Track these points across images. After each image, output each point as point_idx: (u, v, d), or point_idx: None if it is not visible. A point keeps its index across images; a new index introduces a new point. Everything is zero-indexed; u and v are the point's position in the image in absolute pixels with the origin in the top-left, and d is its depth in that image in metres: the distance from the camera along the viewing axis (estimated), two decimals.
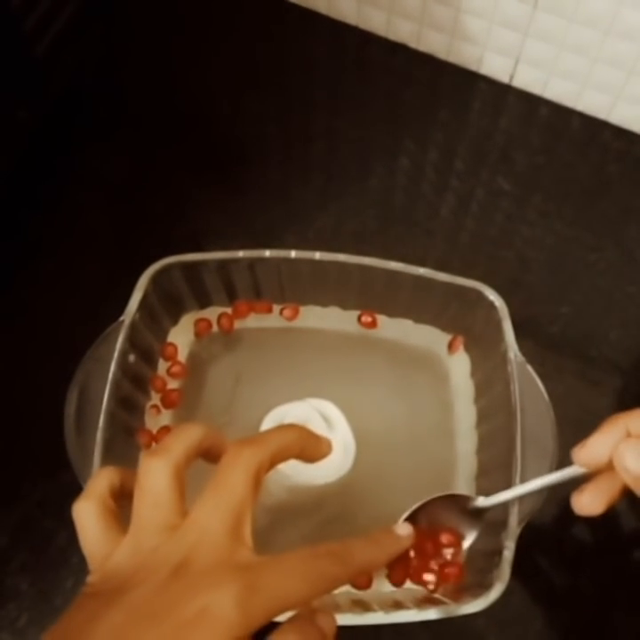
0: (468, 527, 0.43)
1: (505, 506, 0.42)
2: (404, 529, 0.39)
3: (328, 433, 0.48)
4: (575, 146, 0.64)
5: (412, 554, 0.42)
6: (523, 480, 0.42)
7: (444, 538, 0.43)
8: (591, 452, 0.34)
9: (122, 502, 0.33)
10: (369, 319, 0.53)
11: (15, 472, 0.51)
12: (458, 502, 0.43)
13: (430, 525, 0.43)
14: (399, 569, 0.43)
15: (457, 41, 0.65)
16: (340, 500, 0.47)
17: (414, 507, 0.43)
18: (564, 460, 0.44)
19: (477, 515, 0.43)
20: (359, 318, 0.53)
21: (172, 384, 0.51)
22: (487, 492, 0.46)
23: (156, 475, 0.31)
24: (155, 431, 0.49)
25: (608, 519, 0.50)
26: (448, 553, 0.43)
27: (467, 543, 0.43)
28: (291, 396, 0.48)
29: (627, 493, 0.34)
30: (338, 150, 0.64)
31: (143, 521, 0.31)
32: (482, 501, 0.42)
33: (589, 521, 0.50)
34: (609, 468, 0.34)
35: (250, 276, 0.51)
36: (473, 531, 0.43)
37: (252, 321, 0.53)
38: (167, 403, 0.50)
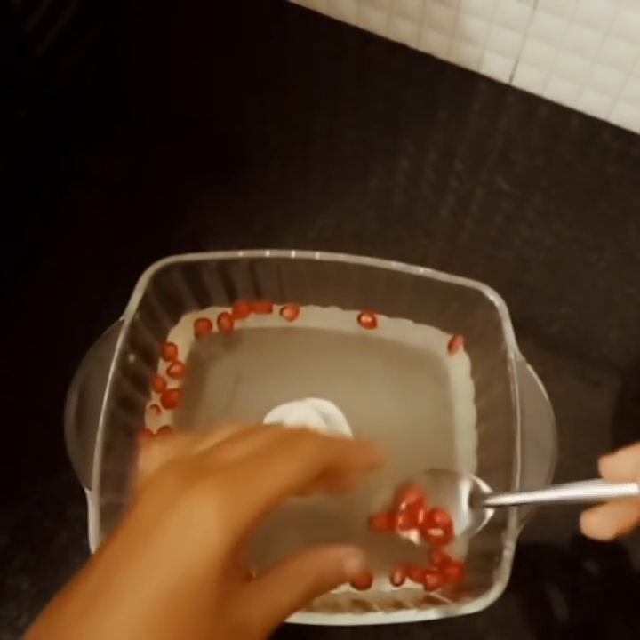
0: (462, 516, 0.42)
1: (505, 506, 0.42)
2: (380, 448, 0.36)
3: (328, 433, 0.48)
4: (575, 146, 0.64)
5: (402, 506, 0.42)
6: (523, 480, 0.42)
7: (438, 516, 0.42)
8: (619, 463, 0.32)
9: None
10: (369, 319, 0.53)
11: (15, 472, 0.51)
12: (461, 486, 0.42)
13: (428, 495, 0.43)
14: (383, 516, 0.42)
15: (457, 41, 0.65)
16: (340, 499, 0.47)
17: (421, 470, 0.43)
18: (564, 460, 0.44)
19: (477, 509, 0.42)
20: (359, 318, 0.53)
21: (172, 384, 0.51)
22: None
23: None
24: (155, 431, 0.49)
25: None
26: (436, 531, 0.42)
27: (458, 530, 0.42)
28: (291, 396, 0.48)
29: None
30: (338, 150, 0.64)
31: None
32: (489, 499, 0.40)
33: None
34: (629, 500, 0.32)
35: (250, 276, 0.51)
36: (466, 521, 0.42)
37: (252, 321, 0.53)
38: (167, 403, 0.50)
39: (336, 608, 0.42)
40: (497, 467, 0.45)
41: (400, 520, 0.43)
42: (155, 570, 0.26)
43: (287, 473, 0.29)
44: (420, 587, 0.45)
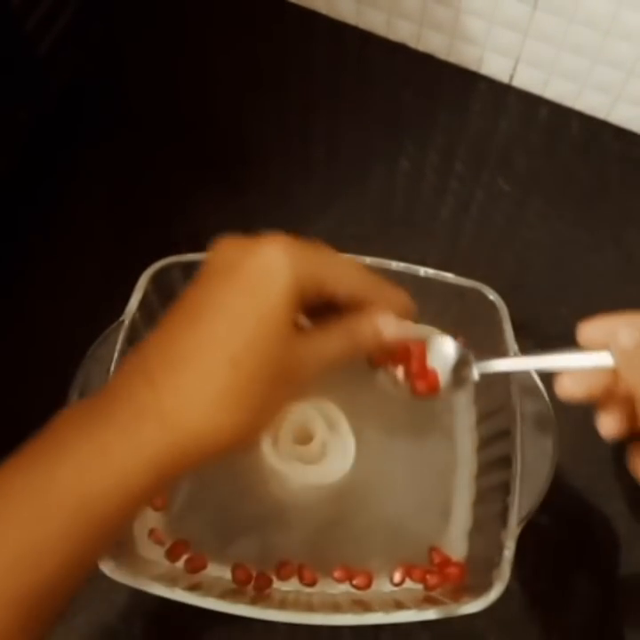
0: (447, 377, 0.42)
1: (504, 506, 0.42)
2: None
3: (328, 433, 0.48)
4: (575, 146, 0.64)
5: (400, 348, 0.42)
6: (522, 480, 0.42)
7: (431, 370, 0.42)
8: (593, 329, 0.35)
9: None
10: None
11: None
12: (449, 349, 0.42)
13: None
14: (383, 355, 0.43)
15: (457, 41, 0.65)
16: (340, 500, 0.47)
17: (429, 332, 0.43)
18: (563, 460, 0.44)
19: (463, 375, 0.42)
20: None
21: None
22: (487, 493, 0.46)
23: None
24: None
25: (608, 519, 0.50)
26: (422, 384, 0.42)
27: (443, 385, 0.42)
28: None
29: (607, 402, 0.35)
30: (338, 150, 0.64)
31: None
32: (479, 367, 0.41)
33: (589, 521, 0.50)
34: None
35: None
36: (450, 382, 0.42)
37: None
38: None
39: (336, 608, 0.42)
40: (497, 467, 0.45)
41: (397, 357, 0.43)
42: (239, 296, 0.32)
43: (335, 263, 0.35)
44: (420, 587, 0.45)
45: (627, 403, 0.35)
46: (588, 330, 0.35)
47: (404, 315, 0.38)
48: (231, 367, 0.31)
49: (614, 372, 0.34)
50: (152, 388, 0.31)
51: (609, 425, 0.35)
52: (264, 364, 0.32)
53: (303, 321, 0.38)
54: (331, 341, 0.36)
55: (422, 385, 0.42)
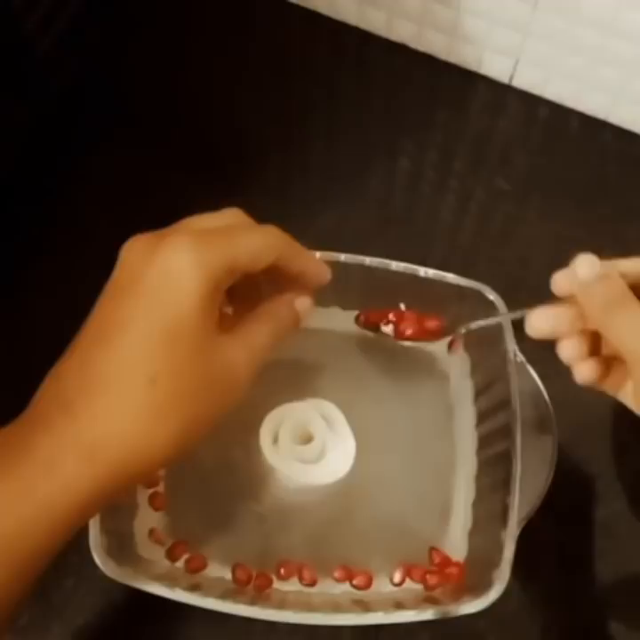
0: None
1: (504, 506, 0.42)
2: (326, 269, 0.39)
3: (328, 433, 0.48)
4: (575, 146, 0.64)
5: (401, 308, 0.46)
6: (522, 480, 0.42)
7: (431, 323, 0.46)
8: (565, 274, 0.36)
9: None
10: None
11: None
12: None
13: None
14: (375, 312, 0.47)
15: (457, 41, 0.65)
16: (340, 500, 0.47)
17: None
18: (564, 460, 0.44)
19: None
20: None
21: None
22: (487, 493, 0.46)
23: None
24: None
25: (608, 519, 0.50)
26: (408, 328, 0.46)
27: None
28: (291, 396, 0.48)
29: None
30: (337, 150, 0.64)
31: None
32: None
33: (589, 521, 0.50)
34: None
35: None
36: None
37: None
38: None
39: (336, 608, 0.42)
40: (497, 467, 0.45)
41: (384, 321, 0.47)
42: (145, 311, 0.31)
43: (249, 241, 0.33)
44: (420, 587, 0.45)
45: (592, 337, 0.37)
46: (558, 277, 0.37)
47: (321, 281, 0.38)
48: (148, 386, 0.30)
49: (579, 309, 0.36)
50: (70, 418, 0.30)
51: (568, 350, 0.37)
52: (183, 375, 0.31)
53: (228, 310, 0.37)
54: (257, 332, 0.35)
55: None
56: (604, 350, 0.37)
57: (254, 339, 0.35)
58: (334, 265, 0.48)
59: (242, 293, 0.36)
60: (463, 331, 0.44)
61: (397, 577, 0.46)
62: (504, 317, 0.43)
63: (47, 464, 0.30)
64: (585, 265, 0.35)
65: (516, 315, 0.40)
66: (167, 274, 0.31)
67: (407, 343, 0.48)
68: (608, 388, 0.38)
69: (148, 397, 0.31)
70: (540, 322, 0.37)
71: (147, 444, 0.31)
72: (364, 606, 0.42)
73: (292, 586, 0.45)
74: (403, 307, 0.48)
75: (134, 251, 0.33)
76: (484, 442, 0.49)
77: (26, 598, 0.30)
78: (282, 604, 0.42)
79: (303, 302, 0.37)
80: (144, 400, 0.30)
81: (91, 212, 0.61)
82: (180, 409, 0.31)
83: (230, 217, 0.35)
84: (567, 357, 0.37)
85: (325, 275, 0.38)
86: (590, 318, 0.35)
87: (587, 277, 0.35)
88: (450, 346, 0.52)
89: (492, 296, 0.47)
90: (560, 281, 0.36)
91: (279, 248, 0.35)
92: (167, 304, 0.31)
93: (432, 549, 0.46)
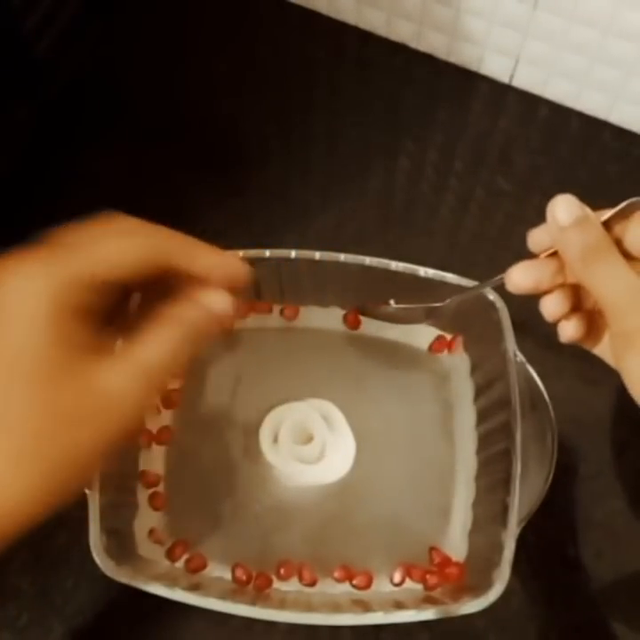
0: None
1: (504, 506, 0.42)
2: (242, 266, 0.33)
3: (328, 433, 0.48)
4: (575, 146, 0.64)
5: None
6: (523, 480, 0.42)
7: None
8: (542, 230, 0.35)
9: None
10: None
11: None
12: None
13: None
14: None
15: (457, 41, 0.65)
16: (340, 500, 0.47)
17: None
18: (564, 460, 0.44)
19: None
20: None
21: (172, 384, 0.51)
22: (487, 493, 0.46)
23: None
24: (155, 431, 0.49)
25: (607, 519, 0.50)
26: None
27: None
28: (291, 395, 0.48)
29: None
30: (338, 150, 0.64)
31: None
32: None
33: (589, 521, 0.50)
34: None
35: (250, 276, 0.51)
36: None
37: (252, 321, 0.53)
38: (167, 403, 0.50)
39: (336, 608, 0.42)
40: (497, 467, 0.45)
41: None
42: None
43: (107, 249, 0.29)
44: (420, 587, 0.45)
45: (574, 291, 0.36)
46: (536, 231, 0.36)
47: (238, 282, 0.33)
48: None
49: (560, 261, 0.35)
50: None
51: (551, 305, 0.36)
52: (34, 414, 0.27)
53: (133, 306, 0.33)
54: (152, 344, 0.30)
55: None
56: (586, 304, 0.36)
57: (148, 353, 0.30)
58: (334, 265, 0.49)
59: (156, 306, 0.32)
60: (448, 301, 0.44)
61: (397, 577, 0.46)
62: (487, 284, 0.42)
63: None
64: (562, 206, 0.34)
65: (497, 281, 0.39)
66: (5, 306, 0.27)
67: (403, 306, 0.47)
68: (587, 343, 0.37)
69: None
70: (520, 276, 0.35)
71: (3, 505, 0.27)
72: (364, 606, 0.42)
73: (292, 586, 0.45)
74: (393, 303, 0.48)
75: None
76: (483, 442, 0.49)
77: None
78: (282, 604, 0.43)
79: (213, 298, 0.32)
80: None
81: (91, 211, 0.61)
82: (38, 451, 0.27)
83: (101, 224, 0.31)
84: (550, 314, 0.36)
85: (240, 271, 0.33)
86: (569, 267, 0.34)
87: (563, 221, 0.33)
88: (450, 346, 0.52)
89: (492, 296, 0.47)
90: (537, 235, 0.35)
91: (157, 249, 0.31)
92: (8, 340, 0.27)
93: (432, 549, 0.46)
